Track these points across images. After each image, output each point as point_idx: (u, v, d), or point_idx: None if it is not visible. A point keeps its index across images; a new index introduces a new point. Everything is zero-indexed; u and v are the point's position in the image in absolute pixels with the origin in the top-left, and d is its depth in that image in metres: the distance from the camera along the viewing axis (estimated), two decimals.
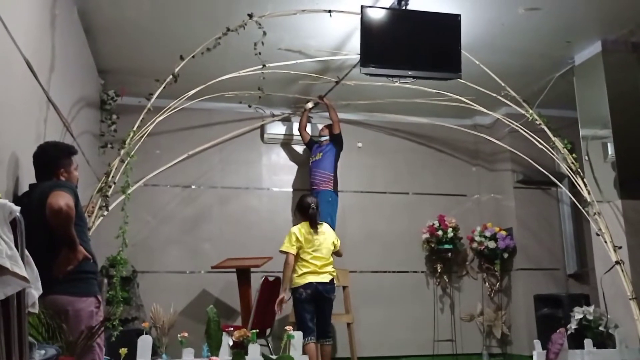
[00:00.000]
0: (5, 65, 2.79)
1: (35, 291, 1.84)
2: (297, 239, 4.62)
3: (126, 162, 4.33)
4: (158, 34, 4.91)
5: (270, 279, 5.19)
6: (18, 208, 1.74)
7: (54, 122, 3.87)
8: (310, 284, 4.55)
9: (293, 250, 4.60)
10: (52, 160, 2.93)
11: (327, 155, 5.93)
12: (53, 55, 3.71)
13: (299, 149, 6.53)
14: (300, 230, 4.68)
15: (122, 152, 4.34)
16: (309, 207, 4.75)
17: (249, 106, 6.09)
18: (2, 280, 1.65)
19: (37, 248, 2.20)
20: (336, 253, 4.85)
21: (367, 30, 4.37)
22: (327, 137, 6.05)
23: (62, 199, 2.50)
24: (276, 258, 5.65)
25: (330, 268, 4.69)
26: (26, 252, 1.81)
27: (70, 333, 2.49)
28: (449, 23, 4.50)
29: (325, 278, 4.62)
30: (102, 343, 2.86)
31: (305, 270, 4.59)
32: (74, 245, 2.59)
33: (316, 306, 4.61)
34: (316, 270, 4.60)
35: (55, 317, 2.49)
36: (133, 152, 4.38)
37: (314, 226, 4.71)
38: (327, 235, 4.77)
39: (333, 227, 5.59)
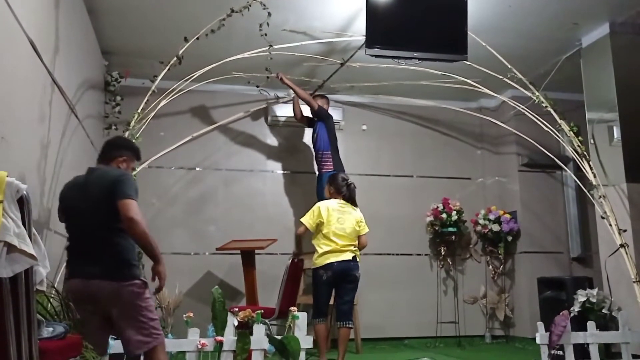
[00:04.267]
0: (9, 46, 2.77)
1: (43, 269, 1.86)
2: (320, 214, 4.49)
3: None
4: (162, 15, 4.87)
5: (296, 260, 5.15)
6: (25, 186, 1.75)
7: (59, 104, 3.87)
8: (330, 264, 4.39)
9: (309, 225, 4.49)
10: (120, 147, 2.96)
11: (319, 135, 5.78)
12: (57, 35, 3.69)
13: (304, 131, 6.51)
14: (327, 205, 4.55)
15: (127, 134, 4.34)
16: (346, 184, 4.66)
17: (257, 87, 6.05)
18: (10, 258, 1.66)
19: (97, 229, 2.58)
20: (360, 241, 4.63)
21: (373, 11, 4.35)
22: (315, 118, 5.88)
23: (134, 212, 2.61)
24: (280, 240, 5.70)
25: (353, 248, 4.51)
26: (33, 230, 1.82)
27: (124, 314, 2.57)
28: (456, 4, 4.47)
29: (347, 256, 4.45)
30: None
31: (326, 249, 4.43)
32: (158, 259, 2.73)
33: (337, 287, 4.49)
34: (337, 249, 4.43)
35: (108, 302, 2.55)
36: (138, 134, 4.38)
37: (348, 201, 4.62)
38: (354, 216, 4.60)
39: None
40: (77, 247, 2.69)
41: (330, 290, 4.50)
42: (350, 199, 4.67)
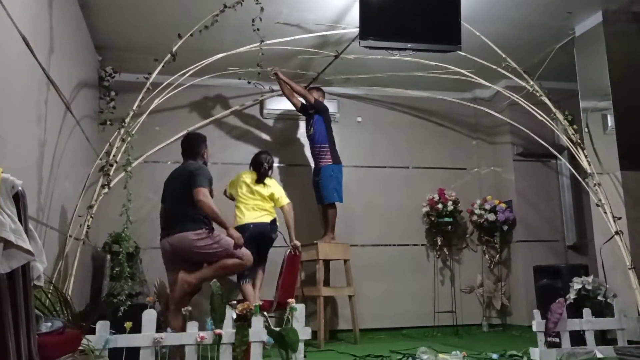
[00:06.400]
0: (2, 43, 2.76)
1: (40, 264, 1.86)
2: (235, 181, 5.34)
3: (127, 141, 4.33)
4: (155, 9, 4.86)
5: (293, 252, 5.25)
6: (20, 182, 1.75)
7: (55, 103, 3.85)
8: (247, 225, 4.94)
9: (228, 190, 5.41)
10: (196, 145, 4.55)
11: (316, 128, 5.75)
12: (51, 32, 3.67)
13: (299, 123, 6.51)
14: (243, 175, 5.27)
15: (122, 131, 4.33)
16: (262, 165, 5.25)
17: (249, 82, 6.06)
18: (7, 254, 1.66)
19: (180, 201, 4.19)
20: (282, 209, 5.21)
21: (366, 2, 4.34)
22: (312, 111, 5.84)
23: (202, 195, 4.10)
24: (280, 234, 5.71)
25: (269, 209, 5.11)
26: (30, 225, 1.82)
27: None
28: None
29: (266, 218, 5.05)
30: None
31: (243, 209, 5.08)
32: (225, 228, 4.27)
33: (258, 247, 4.92)
34: (253, 207, 5.05)
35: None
36: (133, 131, 4.37)
37: (260, 180, 5.21)
38: (268, 187, 5.20)
39: (340, 200, 5.61)
40: None
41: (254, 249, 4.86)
42: (260, 178, 5.23)
